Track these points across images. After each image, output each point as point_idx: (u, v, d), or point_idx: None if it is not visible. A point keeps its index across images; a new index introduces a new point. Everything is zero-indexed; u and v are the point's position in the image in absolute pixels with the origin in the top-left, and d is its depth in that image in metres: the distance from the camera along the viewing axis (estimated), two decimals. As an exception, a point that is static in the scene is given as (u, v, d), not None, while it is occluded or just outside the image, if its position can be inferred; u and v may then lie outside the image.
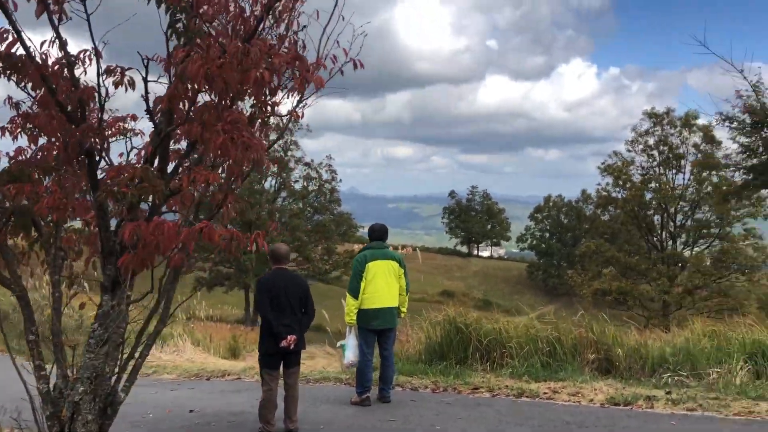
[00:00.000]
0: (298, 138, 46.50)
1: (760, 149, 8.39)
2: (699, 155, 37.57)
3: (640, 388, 8.14)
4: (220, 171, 4.36)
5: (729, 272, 37.74)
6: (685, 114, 38.27)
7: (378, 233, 7.84)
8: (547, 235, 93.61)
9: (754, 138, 8.37)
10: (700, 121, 37.76)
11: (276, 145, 30.92)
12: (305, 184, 48.32)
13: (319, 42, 4.44)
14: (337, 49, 4.38)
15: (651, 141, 39.30)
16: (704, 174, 37.60)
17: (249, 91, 3.97)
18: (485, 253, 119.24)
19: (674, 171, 39.26)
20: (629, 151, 40.28)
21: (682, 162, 38.67)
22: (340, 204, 49.98)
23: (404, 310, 7.89)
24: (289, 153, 46.08)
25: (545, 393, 7.92)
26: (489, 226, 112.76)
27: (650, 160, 39.81)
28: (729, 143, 7.86)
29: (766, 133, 8.27)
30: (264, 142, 4.47)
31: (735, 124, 8.56)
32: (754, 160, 8.48)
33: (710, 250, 39.44)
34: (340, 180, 49.16)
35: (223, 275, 44.38)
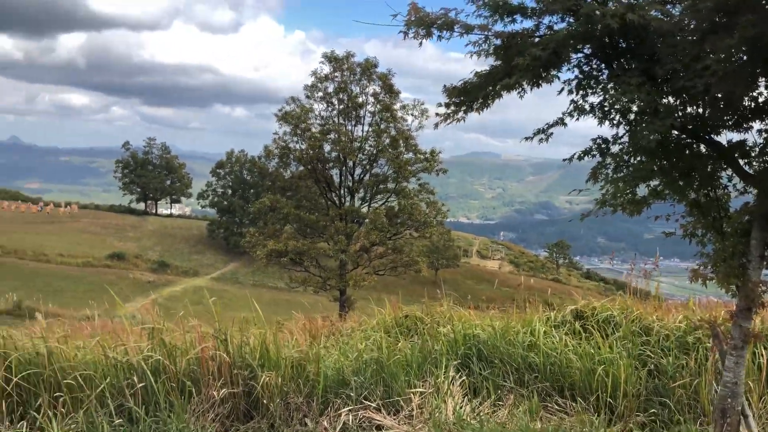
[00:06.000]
0: None
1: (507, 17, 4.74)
2: (378, 105, 36.12)
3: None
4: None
5: (404, 228, 37.37)
6: (365, 60, 36.47)
7: None
8: (230, 191, 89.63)
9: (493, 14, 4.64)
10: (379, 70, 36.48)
11: None
12: None
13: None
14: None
15: (330, 88, 36.76)
16: (383, 126, 36.31)
17: None
18: (166, 211, 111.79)
19: (353, 122, 37.36)
20: (308, 97, 37.29)
21: (362, 112, 36.85)
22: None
23: None
24: None
25: None
26: (168, 182, 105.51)
27: (330, 108, 37.31)
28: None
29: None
30: None
31: None
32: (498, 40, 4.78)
33: (387, 205, 38.61)
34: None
35: None
